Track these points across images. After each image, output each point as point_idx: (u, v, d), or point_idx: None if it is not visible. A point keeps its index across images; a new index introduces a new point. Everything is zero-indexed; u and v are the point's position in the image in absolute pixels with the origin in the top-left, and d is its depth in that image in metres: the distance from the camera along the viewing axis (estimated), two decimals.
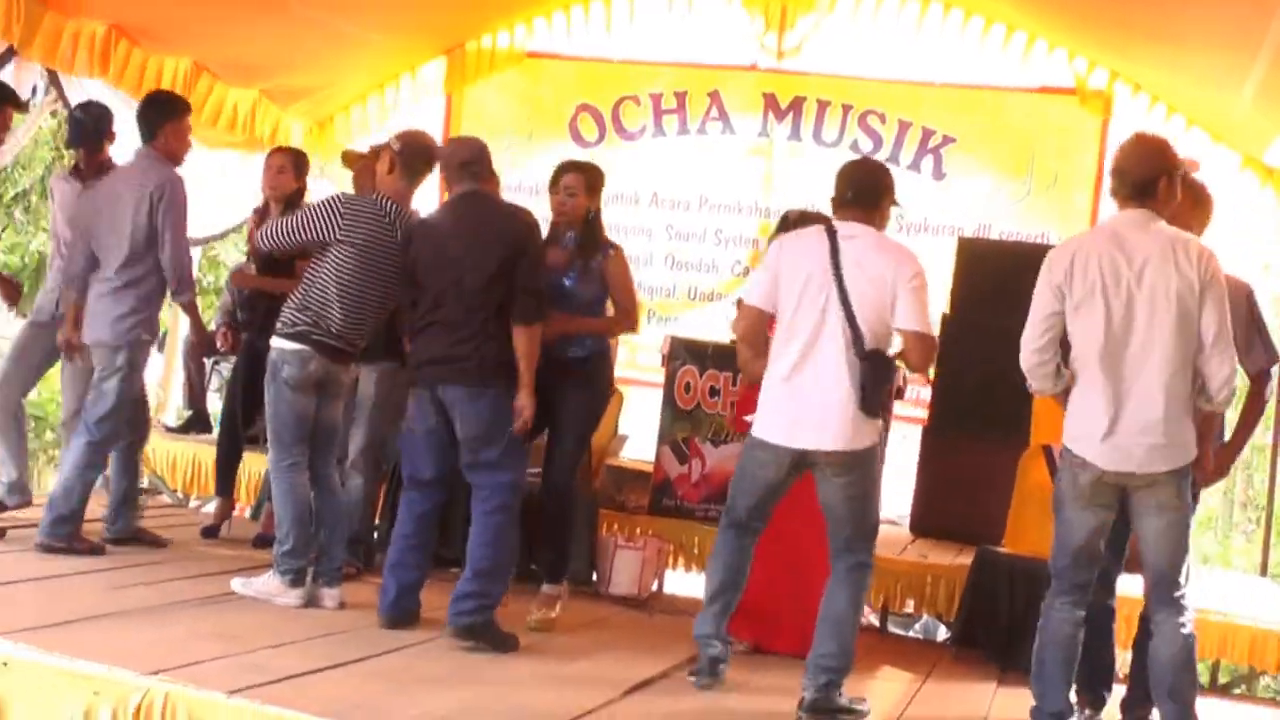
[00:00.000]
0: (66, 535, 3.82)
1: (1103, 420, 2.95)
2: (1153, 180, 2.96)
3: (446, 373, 3.42)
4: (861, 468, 3.26)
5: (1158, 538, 3.00)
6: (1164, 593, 3.02)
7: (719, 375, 4.64)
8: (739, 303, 3.95)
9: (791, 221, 3.96)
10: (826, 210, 3.60)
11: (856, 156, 5.38)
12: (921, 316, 3.24)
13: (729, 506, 3.48)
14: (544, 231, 3.93)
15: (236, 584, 3.65)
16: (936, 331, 4.19)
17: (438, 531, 3.77)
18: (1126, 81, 5.53)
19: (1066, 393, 3.07)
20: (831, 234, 3.24)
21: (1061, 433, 3.24)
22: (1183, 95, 5.44)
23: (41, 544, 3.77)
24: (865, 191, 3.28)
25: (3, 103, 4.08)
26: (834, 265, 3.19)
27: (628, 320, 4.19)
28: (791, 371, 3.23)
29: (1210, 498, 8.37)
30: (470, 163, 3.54)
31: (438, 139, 4.33)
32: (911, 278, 3.19)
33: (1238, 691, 4.64)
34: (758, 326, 3.38)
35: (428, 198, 4.68)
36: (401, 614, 3.47)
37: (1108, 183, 3.59)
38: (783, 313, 3.28)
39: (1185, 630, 3.02)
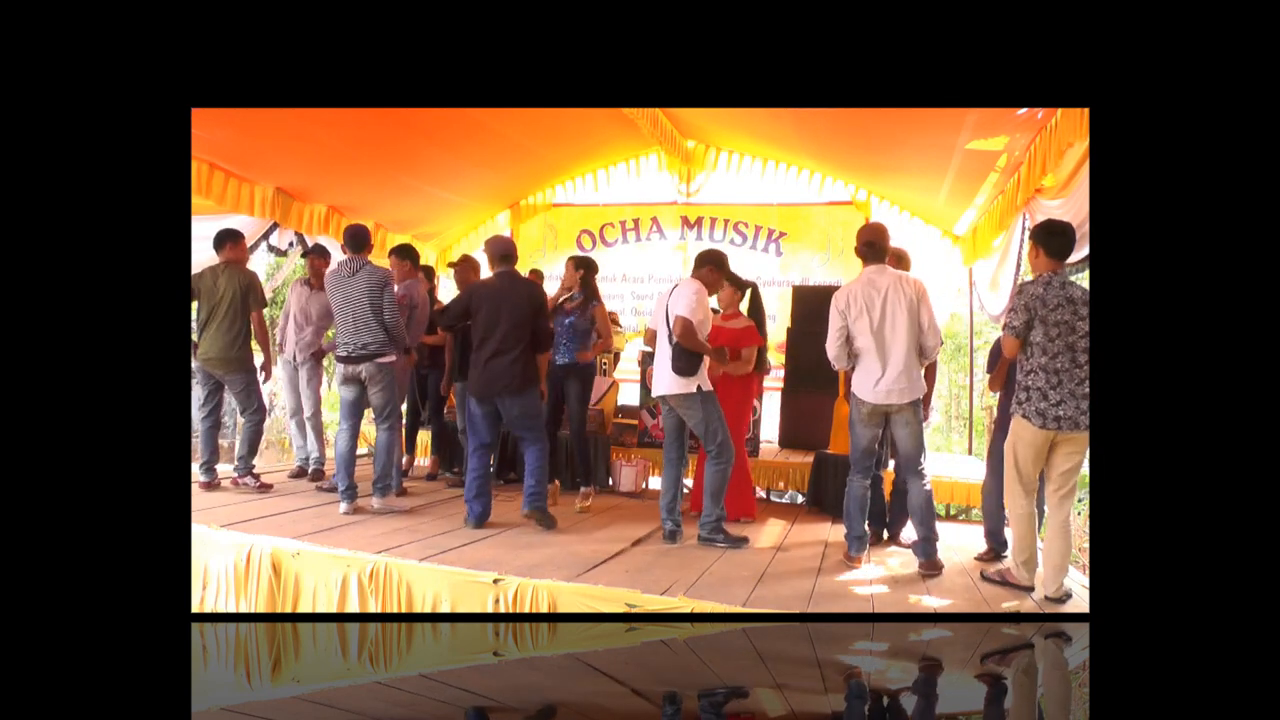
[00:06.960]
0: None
1: (875, 377, 3.47)
2: (884, 249, 3.58)
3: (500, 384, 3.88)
4: (689, 404, 3.74)
5: (905, 439, 3.52)
6: (911, 468, 3.53)
7: None
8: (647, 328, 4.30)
9: None
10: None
11: (733, 247, 7.02)
12: (682, 307, 3.71)
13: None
14: (558, 291, 4.81)
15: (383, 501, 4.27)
16: (783, 339, 5.62)
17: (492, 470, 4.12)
18: (877, 195, 6.90)
19: (852, 367, 3.56)
20: (674, 287, 3.89)
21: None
22: (908, 200, 6.71)
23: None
24: (698, 264, 3.94)
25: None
26: (667, 301, 3.87)
27: (605, 344, 4.96)
28: (656, 353, 3.92)
29: (937, 415, 8.74)
30: (506, 255, 4.12)
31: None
32: (686, 294, 3.75)
33: (961, 518, 5.54)
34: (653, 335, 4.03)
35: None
36: (480, 522, 4.02)
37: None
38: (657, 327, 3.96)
39: (926, 488, 3.55)
